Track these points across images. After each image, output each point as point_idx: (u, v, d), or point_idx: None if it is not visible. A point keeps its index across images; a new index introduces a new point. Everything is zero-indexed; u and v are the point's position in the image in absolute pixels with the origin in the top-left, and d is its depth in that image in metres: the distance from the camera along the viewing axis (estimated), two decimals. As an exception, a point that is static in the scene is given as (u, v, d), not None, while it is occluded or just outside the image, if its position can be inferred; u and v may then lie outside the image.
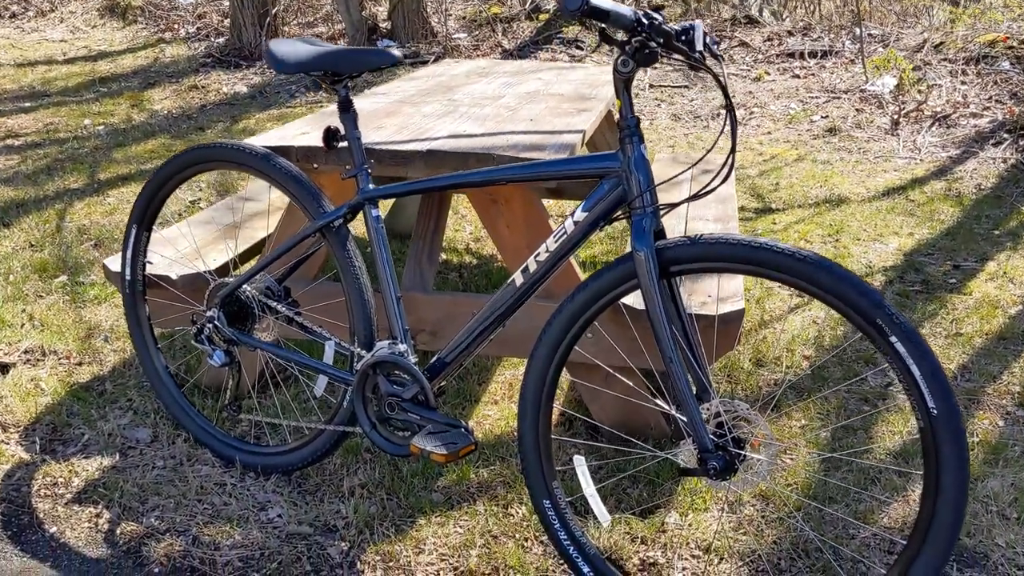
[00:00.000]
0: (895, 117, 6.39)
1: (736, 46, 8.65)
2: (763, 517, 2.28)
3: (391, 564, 2.10)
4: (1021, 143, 5.54)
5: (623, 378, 2.40)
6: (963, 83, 6.79)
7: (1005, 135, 5.72)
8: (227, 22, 9.31)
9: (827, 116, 6.67)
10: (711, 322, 2.25)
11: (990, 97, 6.50)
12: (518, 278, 1.92)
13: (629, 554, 2.14)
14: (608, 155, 1.80)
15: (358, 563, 2.10)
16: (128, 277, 2.51)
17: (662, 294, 1.74)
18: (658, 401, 1.92)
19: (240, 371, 2.39)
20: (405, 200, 4.16)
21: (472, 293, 3.57)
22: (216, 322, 2.29)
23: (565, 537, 1.97)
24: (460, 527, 2.23)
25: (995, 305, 3.57)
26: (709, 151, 1.82)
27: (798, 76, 7.67)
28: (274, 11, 8.79)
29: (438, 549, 2.15)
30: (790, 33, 8.75)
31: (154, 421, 2.66)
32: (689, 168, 1.85)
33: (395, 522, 2.23)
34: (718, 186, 1.77)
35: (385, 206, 4.53)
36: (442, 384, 2.12)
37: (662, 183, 1.78)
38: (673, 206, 1.80)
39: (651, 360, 2.31)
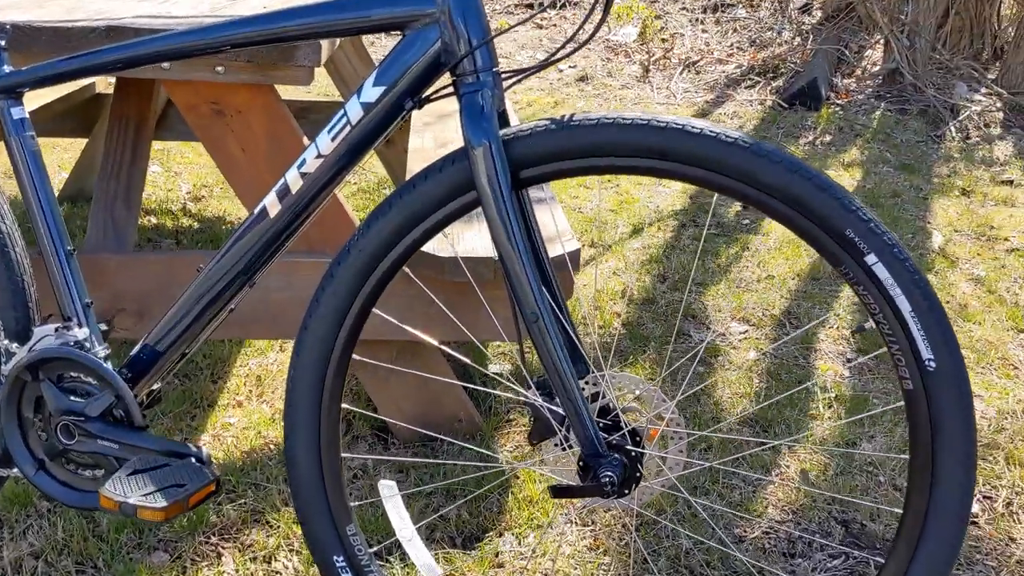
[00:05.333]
0: (644, 65, 6.14)
1: (471, -2, 8.15)
2: (623, 525, 1.70)
3: None
4: (773, 85, 5.42)
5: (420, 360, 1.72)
6: (704, 31, 6.68)
7: (756, 78, 5.60)
8: None
9: (575, 65, 6.30)
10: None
11: (731, 44, 6.41)
12: (271, 205, 1.18)
13: (459, 608, 1.47)
14: (414, -10, 1.11)
15: None
16: None
17: (513, 208, 1.08)
18: (518, 388, 1.25)
19: None
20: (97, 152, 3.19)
21: (197, 250, 2.71)
22: None
23: (371, 607, 1.27)
24: (199, 601, 1.46)
25: (798, 244, 3.24)
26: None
27: (541, 27, 7.28)
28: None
29: (165, 643, 1.38)
30: (525, -16, 8.36)
31: None
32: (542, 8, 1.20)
33: (91, 609, 1.42)
34: (586, 40, 1.13)
35: (66, 161, 3.52)
36: (155, 388, 1.34)
37: (501, 32, 1.12)
38: (524, 72, 1.14)
39: (464, 327, 1.65)
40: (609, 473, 1.11)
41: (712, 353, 2.44)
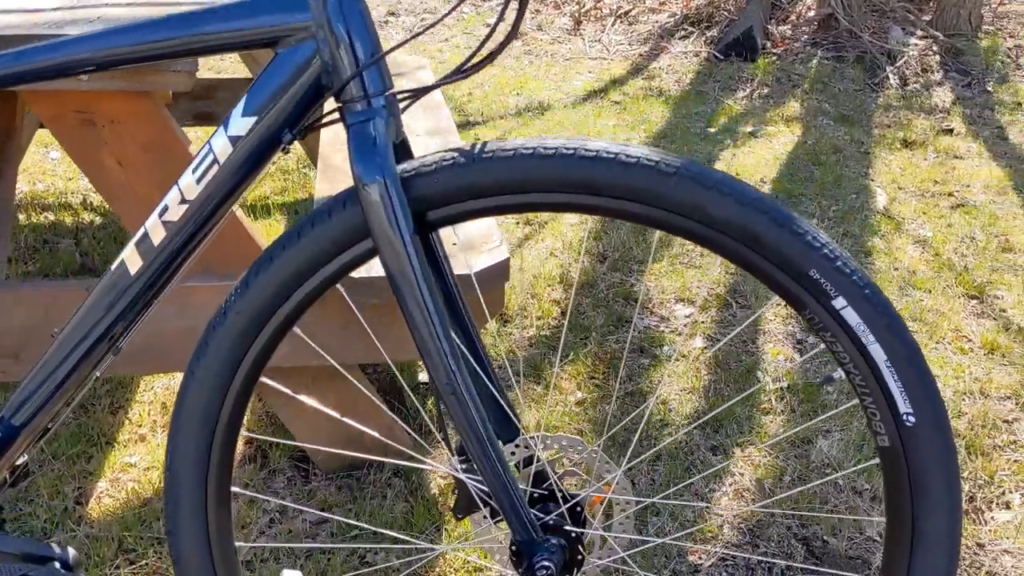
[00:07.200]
0: (576, 16, 5.92)
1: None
2: None
3: None
4: (708, 35, 5.25)
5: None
6: (635, -22, 6.46)
7: (690, 28, 5.42)
8: None
9: (504, 19, 6.06)
10: (467, 284, 1.45)
11: (664, -8, 6.22)
12: (130, 259, 0.99)
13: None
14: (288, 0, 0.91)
15: None
16: None
17: (419, 259, 0.91)
18: (432, 460, 1.09)
19: None
20: None
21: (87, 278, 2.46)
22: None
23: None
24: None
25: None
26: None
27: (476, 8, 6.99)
28: None
29: None
30: (449, -67, 8.03)
31: None
32: (451, 9, 1.04)
33: None
34: (505, 43, 0.96)
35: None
36: (19, 464, 1.15)
37: (393, 49, 0.94)
38: (424, 90, 0.95)
39: (384, 350, 1.48)
40: (546, 563, 0.95)
41: (656, 343, 2.30)
